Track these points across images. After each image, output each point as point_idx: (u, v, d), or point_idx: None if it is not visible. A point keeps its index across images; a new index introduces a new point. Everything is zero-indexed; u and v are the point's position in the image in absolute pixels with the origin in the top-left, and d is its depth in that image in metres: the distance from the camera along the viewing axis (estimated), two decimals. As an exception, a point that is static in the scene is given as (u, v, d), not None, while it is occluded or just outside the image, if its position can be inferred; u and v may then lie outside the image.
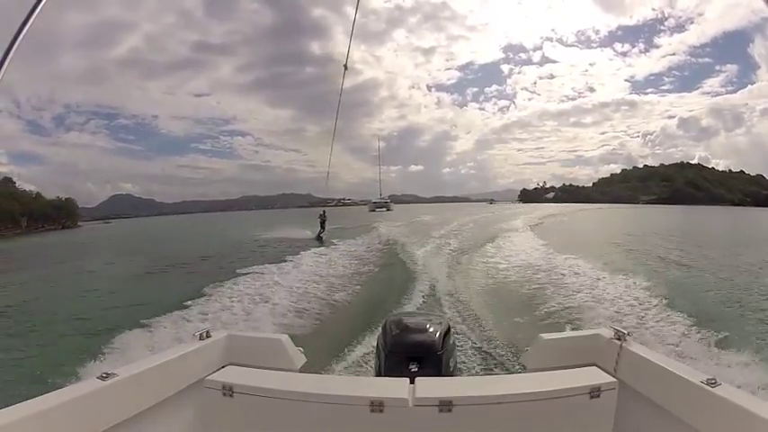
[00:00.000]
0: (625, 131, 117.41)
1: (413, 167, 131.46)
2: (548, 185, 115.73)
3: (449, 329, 2.62)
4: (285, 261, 12.73)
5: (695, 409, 1.75)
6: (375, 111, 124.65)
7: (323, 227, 23.01)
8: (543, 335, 2.58)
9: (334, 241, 18.37)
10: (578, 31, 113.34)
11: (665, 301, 7.23)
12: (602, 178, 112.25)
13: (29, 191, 64.14)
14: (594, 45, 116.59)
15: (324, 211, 23.43)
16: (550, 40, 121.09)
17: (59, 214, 65.40)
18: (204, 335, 2.44)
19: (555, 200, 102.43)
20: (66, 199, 69.49)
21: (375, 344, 2.94)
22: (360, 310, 7.80)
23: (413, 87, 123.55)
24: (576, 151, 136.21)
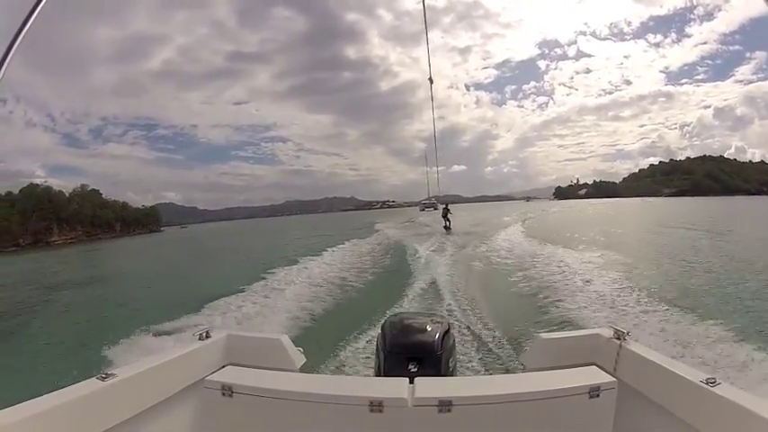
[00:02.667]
0: (663, 123, 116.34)
1: (455, 167, 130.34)
2: (581, 182, 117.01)
3: (448, 329, 2.62)
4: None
5: (695, 409, 1.75)
6: (415, 112, 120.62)
7: (447, 218, 26.49)
8: (542, 334, 2.59)
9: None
10: (611, 24, 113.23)
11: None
12: (632, 173, 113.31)
13: (117, 200, 72.72)
14: (628, 37, 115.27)
15: (446, 204, 28.24)
16: (584, 33, 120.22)
17: (147, 220, 75.35)
18: (204, 335, 2.44)
19: (587, 196, 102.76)
20: (151, 207, 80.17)
21: (375, 344, 2.94)
22: (359, 309, 7.79)
23: (451, 87, 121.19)
24: (616, 145, 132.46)
